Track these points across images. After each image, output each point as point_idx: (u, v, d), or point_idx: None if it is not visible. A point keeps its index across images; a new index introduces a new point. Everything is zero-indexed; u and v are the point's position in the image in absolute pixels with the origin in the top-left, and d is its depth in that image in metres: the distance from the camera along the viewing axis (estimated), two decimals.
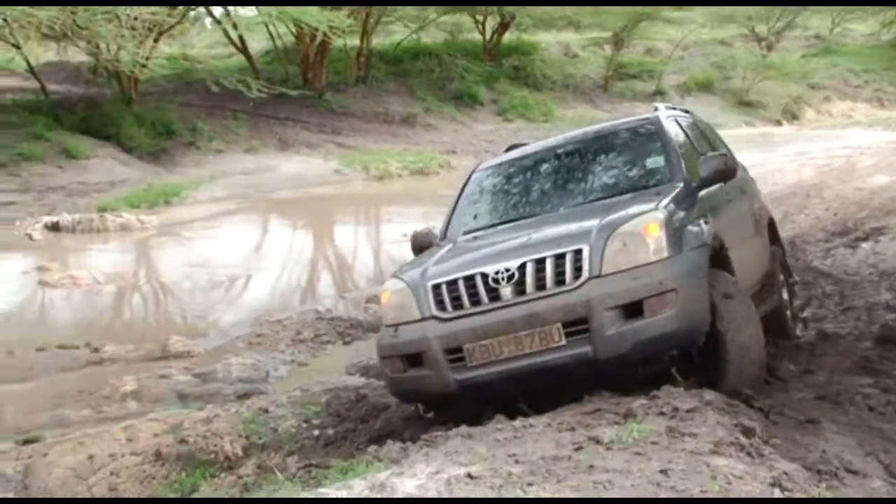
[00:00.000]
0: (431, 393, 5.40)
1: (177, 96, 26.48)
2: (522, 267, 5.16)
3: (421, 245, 6.68)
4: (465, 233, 6.51)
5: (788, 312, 8.03)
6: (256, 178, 22.89)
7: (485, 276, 5.22)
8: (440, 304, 5.31)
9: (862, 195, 16.79)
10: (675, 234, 5.23)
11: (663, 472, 3.23)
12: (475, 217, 6.81)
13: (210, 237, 17.24)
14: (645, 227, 5.18)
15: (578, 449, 3.61)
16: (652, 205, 5.46)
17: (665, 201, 5.51)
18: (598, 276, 5.05)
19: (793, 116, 36.85)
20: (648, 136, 6.71)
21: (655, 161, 6.46)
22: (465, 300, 5.24)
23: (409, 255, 14.84)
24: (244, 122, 26.21)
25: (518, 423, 4.36)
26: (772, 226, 8.31)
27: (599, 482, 3.10)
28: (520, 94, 32.85)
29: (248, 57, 28.81)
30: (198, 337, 10.33)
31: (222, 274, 13.62)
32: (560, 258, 5.13)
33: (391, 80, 31.77)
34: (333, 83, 30.14)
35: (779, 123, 35.85)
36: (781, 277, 8.01)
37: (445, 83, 32.19)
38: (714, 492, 2.96)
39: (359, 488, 3.22)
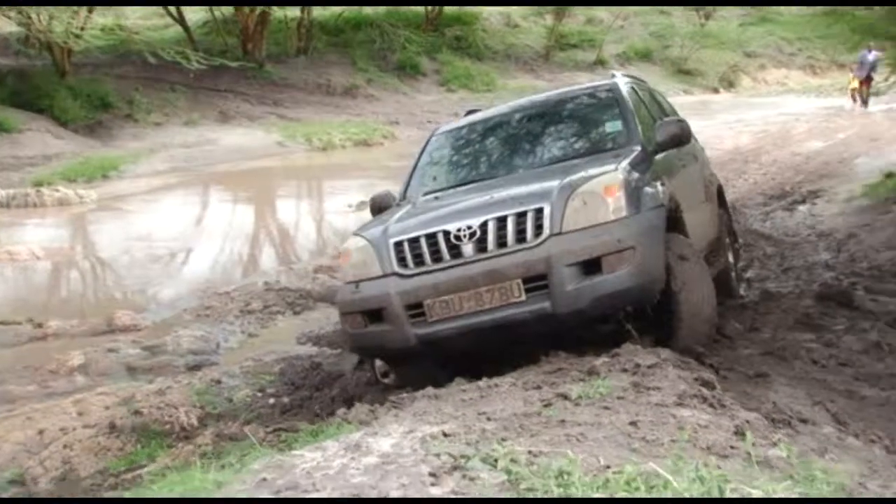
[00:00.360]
0: (392, 348, 5.43)
1: (112, 68, 25.84)
2: (484, 225, 5.22)
3: (380, 206, 6.72)
4: (426, 194, 6.54)
5: (733, 274, 8.21)
6: (197, 151, 22.52)
7: (447, 233, 5.27)
8: (402, 260, 5.36)
9: (798, 160, 17.20)
10: (634, 194, 5.32)
11: (633, 423, 3.28)
12: (435, 179, 6.86)
13: (151, 211, 16.94)
14: (605, 187, 5.26)
15: (547, 405, 3.65)
16: (611, 166, 5.55)
17: (624, 163, 5.60)
18: (559, 234, 5.12)
19: (730, 84, 37.45)
20: (606, 102, 6.82)
21: (613, 125, 6.56)
22: (427, 257, 5.30)
23: (351, 226, 14.84)
24: (183, 94, 25.72)
25: (483, 383, 4.39)
26: (720, 192, 8.49)
27: (572, 435, 3.14)
28: (462, 65, 32.77)
29: (186, 28, 28.22)
30: (143, 310, 10.15)
31: (164, 248, 13.41)
32: (521, 216, 5.19)
33: (332, 51, 31.43)
34: (274, 54, 29.70)
35: (716, 91, 36.40)
36: (727, 241, 8.18)
37: (387, 54, 31.93)
38: (684, 440, 3.02)
39: (333, 449, 3.20)
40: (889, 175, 13.14)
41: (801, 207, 12.60)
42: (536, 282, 5.08)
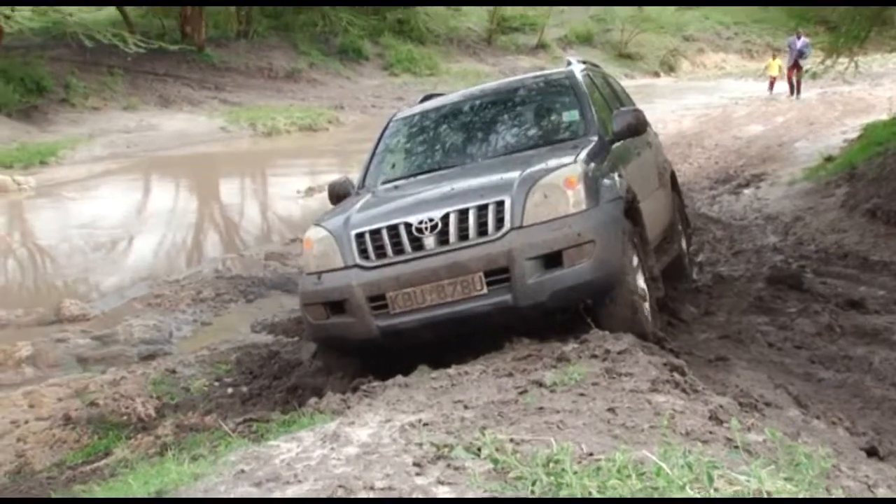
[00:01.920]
0: (354, 339, 5.40)
1: (46, 51, 25.09)
2: (446, 217, 5.21)
3: (338, 194, 6.66)
4: (385, 182, 6.53)
5: (687, 259, 8.32)
6: (138, 137, 22.06)
7: (408, 225, 5.25)
8: (363, 252, 5.33)
9: (740, 144, 17.51)
10: (593, 187, 5.34)
11: (611, 410, 3.31)
12: (393, 166, 6.85)
13: (92, 198, 16.57)
14: (565, 180, 5.27)
15: (523, 392, 3.66)
16: (570, 158, 5.55)
17: (582, 154, 5.61)
18: (520, 228, 5.13)
19: (670, 68, 37.92)
20: (563, 90, 6.83)
21: (571, 115, 6.58)
22: (389, 249, 5.27)
23: (300, 213, 14.69)
24: (121, 78, 25.15)
25: (452, 370, 4.38)
26: (673, 177, 8.57)
27: (552, 423, 3.15)
28: (405, 49, 32.62)
29: (122, 10, 27.53)
30: (90, 300, 9.95)
31: (108, 236, 13.14)
32: (482, 209, 5.20)
33: (273, 34, 30.98)
34: (214, 38, 29.20)
35: (657, 75, 36.84)
36: (680, 227, 8.28)
37: (329, 37, 31.63)
38: (663, 427, 3.06)
39: (310, 439, 3.18)
40: (828, 158, 13.47)
41: (747, 191, 12.83)
42: (498, 275, 5.09)
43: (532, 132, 6.65)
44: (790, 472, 2.60)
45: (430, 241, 5.19)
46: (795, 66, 24.36)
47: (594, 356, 4.24)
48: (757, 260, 8.87)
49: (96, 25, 24.55)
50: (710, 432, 3.10)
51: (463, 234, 5.18)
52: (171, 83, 26.05)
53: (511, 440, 2.95)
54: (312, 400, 4.74)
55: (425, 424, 3.24)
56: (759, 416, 3.97)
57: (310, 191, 15.84)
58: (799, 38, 23.99)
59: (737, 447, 2.84)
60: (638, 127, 6.38)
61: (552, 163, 5.54)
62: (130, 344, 8.29)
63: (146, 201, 16.84)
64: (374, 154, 7.03)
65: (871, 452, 3.86)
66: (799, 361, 5.72)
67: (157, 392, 6.74)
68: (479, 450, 2.93)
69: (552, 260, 5.11)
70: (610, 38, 38.24)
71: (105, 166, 19.39)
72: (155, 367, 7.40)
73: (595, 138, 6.13)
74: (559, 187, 5.24)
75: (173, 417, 6.02)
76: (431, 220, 5.21)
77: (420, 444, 3.04)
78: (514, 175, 5.39)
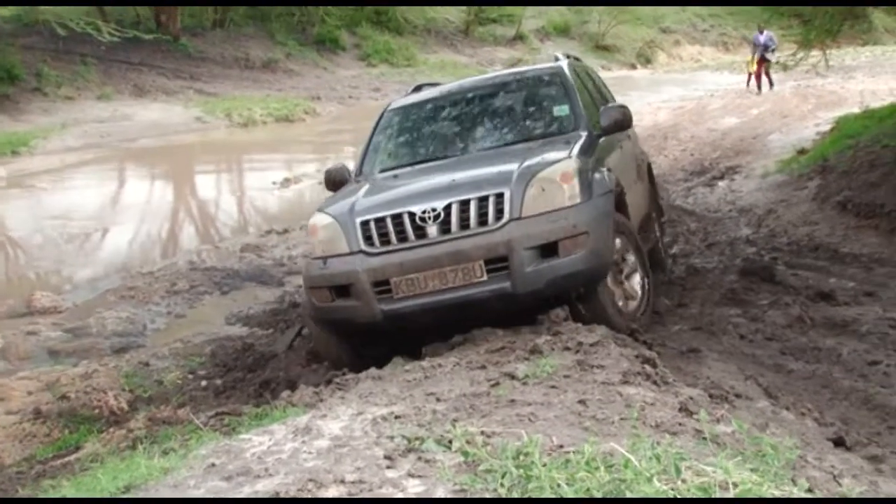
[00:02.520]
0: (358, 322, 5.61)
1: (17, 39, 24.81)
2: (448, 207, 5.45)
3: (334, 180, 6.88)
4: (383, 170, 6.76)
5: (662, 249, 8.38)
6: (112, 127, 21.86)
7: (412, 214, 5.49)
8: (368, 239, 5.56)
9: (715, 136, 17.60)
10: (586, 181, 5.61)
11: (581, 402, 3.33)
12: (389, 156, 7.09)
13: (66, 189, 16.40)
14: (561, 174, 5.54)
15: (495, 385, 3.67)
16: (565, 153, 5.82)
17: (576, 149, 5.88)
18: (518, 219, 5.39)
19: (647, 60, 38.10)
20: (554, 85, 7.10)
21: (561, 109, 6.85)
22: (393, 237, 5.51)
23: (276, 204, 14.62)
24: (95, 67, 24.91)
25: (426, 363, 4.39)
26: (649, 168, 8.71)
27: (524, 415, 3.17)
28: (382, 39, 32.53)
29: None
30: (63, 292, 9.85)
31: (82, 227, 13.03)
32: (483, 200, 5.44)
33: (250, 23, 30.81)
34: (189, 27, 28.98)
35: (633, 67, 37.00)
36: (654, 216, 8.35)
37: (306, 27, 31.50)
38: (633, 418, 3.08)
39: (282, 432, 3.17)
40: (801, 151, 13.58)
41: (721, 183, 12.91)
42: (497, 263, 5.33)
43: (524, 126, 6.90)
44: (756, 463, 2.63)
45: (432, 229, 5.44)
46: (763, 61, 23.92)
47: (567, 348, 4.27)
48: (730, 252, 8.93)
49: (69, 13, 24.29)
50: (680, 424, 3.12)
51: (464, 224, 5.42)
52: (145, 73, 25.83)
53: (482, 433, 2.96)
54: (285, 393, 4.75)
55: (397, 417, 3.25)
56: (730, 407, 4.00)
57: (286, 182, 15.78)
58: (762, 32, 23.54)
59: (705, 438, 2.87)
60: (624, 122, 6.65)
61: (548, 157, 5.78)
62: (103, 336, 8.22)
63: (120, 192, 16.70)
64: (370, 142, 7.25)
65: (838, 443, 3.91)
66: (770, 353, 5.76)
67: (130, 385, 6.71)
68: (450, 442, 2.94)
69: (548, 250, 5.37)
70: (587, 30, 38.36)
71: (79, 156, 19.19)
72: (128, 359, 7.36)
73: (585, 133, 6.38)
74: (555, 181, 5.50)
75: (146, 411, 5.97)
76: (434, 209, 5.45)
77: (391, 437, 3.04)
78: (512, 168, 5.63)
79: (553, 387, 3.57)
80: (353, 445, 3.05)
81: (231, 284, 9.74)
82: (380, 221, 5.54)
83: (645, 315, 6.13)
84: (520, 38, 35.87)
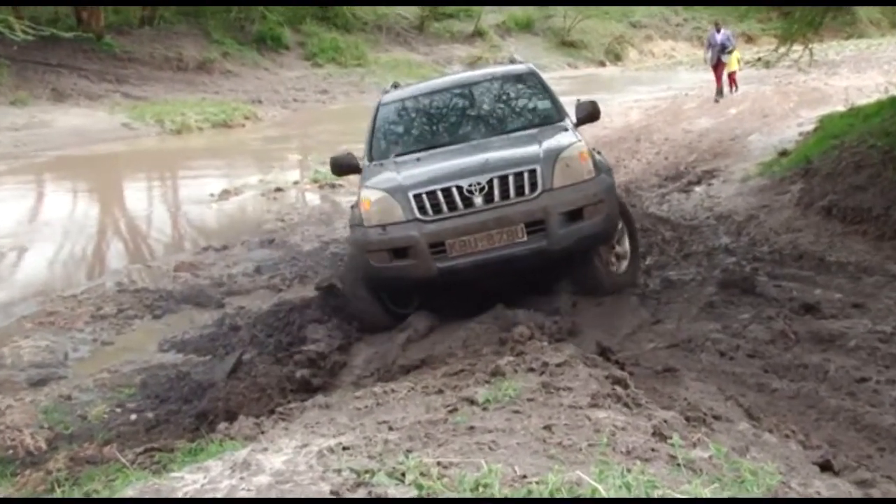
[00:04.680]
0: (415, 278, 7.29)
1: None
2: (490, 181, 7.18)
3: (341, 165, 8.46)
4: (399, 154, 8.27)
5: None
6: (28, 135, 21.60)
7: (460, 188, 7.19)
8: (422, 209, 7.22)
9: (690, 138, 17.83)
10: (594, 160, 7.59)
11: (547, 427, 3.34)
12: (397, 143, 8.63)
13: None
14: (580, 153, 7.45)
15: (453, 411, 3.67)
16: (574, 137, 7.75)
17: (578, 135, 7.79)
18: (550, 190, 7.22)
19: (616, 57, 38.48)
20: (531, 83, 8.98)
21: (543, 103, 8.71)
22: (444, 206, 7.19)
23: (215, 218, 14.46)
24: (7, 69, 24.59)
25: (378, 388, 4.39)
26: None
27: (483, 443, 3.17)
28: (329, 37, 32.53)
29: None
30: None
31: None
32: (519, 175, 7.22)
33: (182, 20, 30.67)
34: (114, 24, 28.76)
35: (602, 64, 37.36)
36: None
37: (245, 24, 31.40)
38: (602, 444, 3.09)
39: (217, 469, 3.14)
40: (783, 153, 13.77)
41: (698, 189, 13.05)
42: (535, 226, 7.13)
43: (515, 116, 8.72)
44: (735, 490, 2.65)
45: (478, 200, 7.16)
46: (720, 64, 23.18)
47: (531, 370, 4.29)
48: (708, 263, 9.01)
49: None
50: (653, 449, 3.14)
51: (504, 195, 7.16)
52: (65, 75, 25.56)
53: (438, 463, 2.96)
54: (223, 425, 4.71)
55: (345, 448, 3.23)
56: (707, 430, 4.04)
57: (224, 194, 15.68)
58: (718, 31, 23.05)
59: (679, 465, 2.89)
60: (594, 115, 8.37)
61: (562, 140, 7.62)
62: (18, 368, 8.07)
63: (39, 207, 16.46)
64: (373, 133, 8.77)
65: (825, 467, 3.95)
66: (751, 371, 5.81)
67: (49, 421, 6.61)
68: (402, 475, 2.93)
69: (575, 215, 7.24)
70: (552, 25, 38.67)
71: None
72: (47, 393, 7.26)
73: (569, 123, 8.20)
74: (577, 158, 7.40)
75: (67, 449, 5.89)
76: (479, 183, 7.17)
77: (339, 471, 3.02)
78: (536, 149, 7.44)
79: (516, 412, 3.58)
80: (296, 481, 3.02)
81: (164, 307, 9.64)
82: (431, 195, 7.21)
83: (635, 274, 8.10)
84: (479, 34, 36.08)
